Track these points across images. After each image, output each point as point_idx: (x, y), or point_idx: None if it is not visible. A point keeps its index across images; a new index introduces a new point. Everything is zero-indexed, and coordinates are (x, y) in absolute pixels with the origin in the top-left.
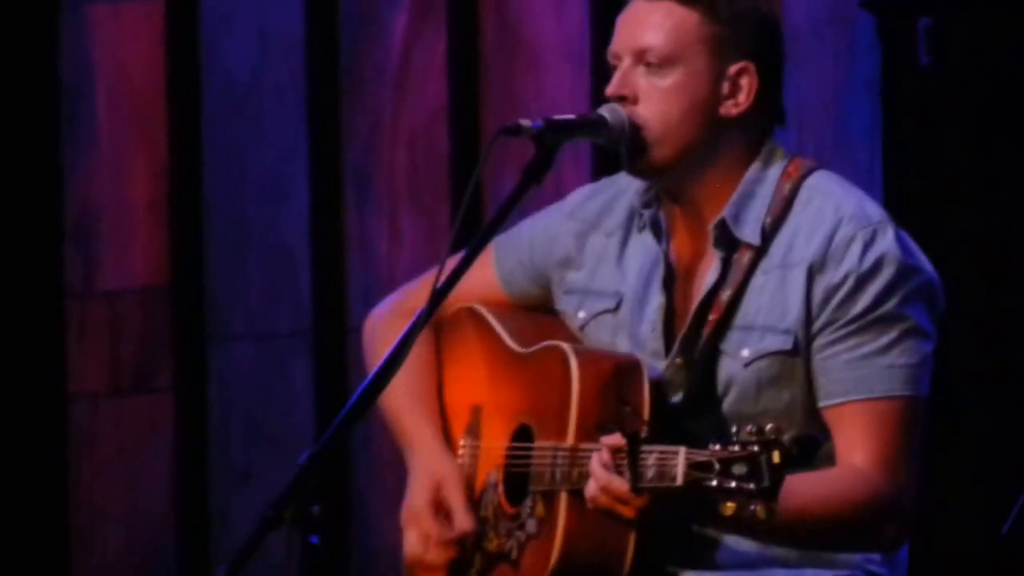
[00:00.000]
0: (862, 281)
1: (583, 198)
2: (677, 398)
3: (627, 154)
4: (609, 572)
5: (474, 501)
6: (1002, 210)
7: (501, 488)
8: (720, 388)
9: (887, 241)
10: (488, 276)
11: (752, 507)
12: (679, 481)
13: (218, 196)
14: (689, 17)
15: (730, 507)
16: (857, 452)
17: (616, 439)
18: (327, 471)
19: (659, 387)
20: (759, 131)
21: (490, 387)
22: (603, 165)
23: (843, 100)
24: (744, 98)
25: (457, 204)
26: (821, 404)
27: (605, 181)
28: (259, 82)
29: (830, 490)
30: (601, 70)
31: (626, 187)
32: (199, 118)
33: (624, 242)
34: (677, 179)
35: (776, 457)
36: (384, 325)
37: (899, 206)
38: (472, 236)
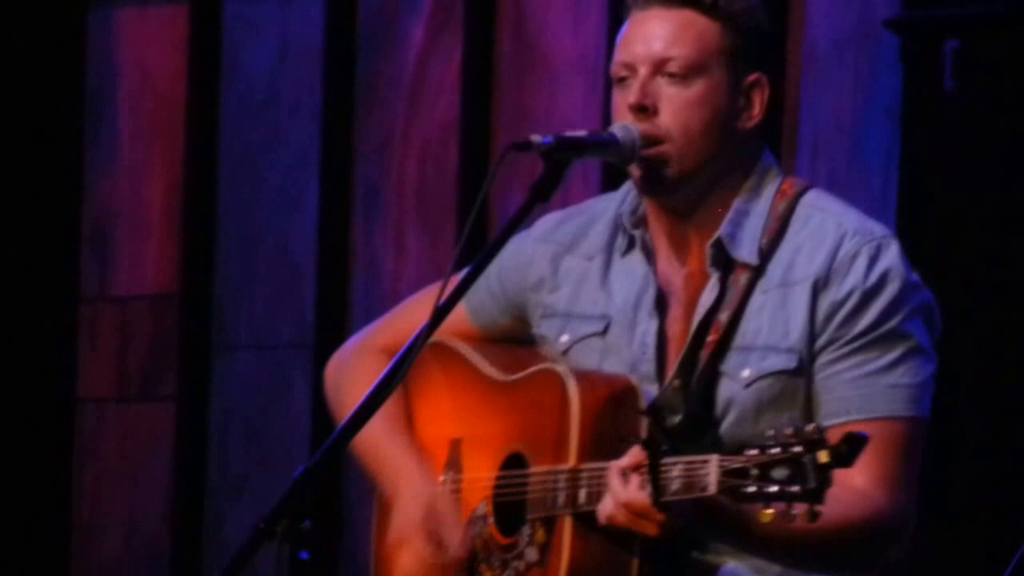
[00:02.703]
0: (868, 296)
1: (553, 223)
2: (675, 420)
3: (645, 167)
4: None
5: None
6: (1021, 242)
7: (491, 519)
8: (719, 410)
9: (892, 256)
10: (454, 311)
11: (795, 512)
12: (712, 490)
13: (231, 205)
14: (710, 27)
15: (768, 514)
16: (858, 473)
17: (636, 452)
18: (320, 487)
19: (656, 409)
20: (757, 147)
21: (469, 418)
22: (612, 183)
23: (860, 123)
24: (758, 111)
25: (463, 219)
26: (823, 424)
27: (573, 208)
28: (277, 91)
29: (832, 509)
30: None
31: (601, 212)
32: (217, 126)
33: (607, 264)
34: (685, 196)
35: (823, 457)
36: (353, 362)
37: (913, 235)
38: (477, 254)
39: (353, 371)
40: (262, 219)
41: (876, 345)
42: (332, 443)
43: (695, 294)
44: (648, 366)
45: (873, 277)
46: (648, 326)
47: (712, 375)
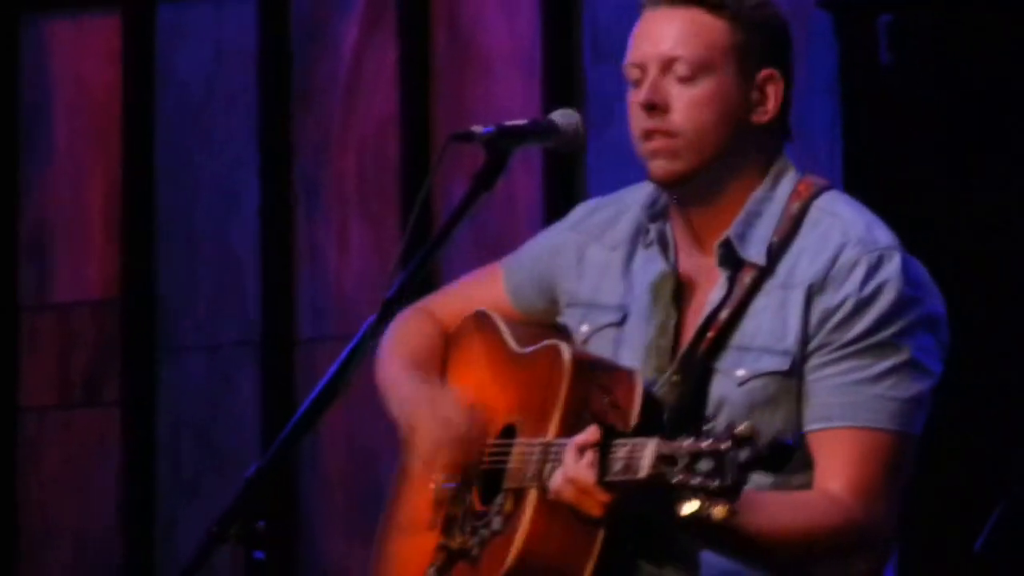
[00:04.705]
0: (860, 306)
1: (587, 211)
2: (667, 415)
3: (654, 158)
4: (570, 574)
5: (449, 502)
6: (966, 210)
7: (476, 487)
8: (711, 407)
9: (892, 268)
10: (497, 291)
11: (711, 508)
12: (643, 473)
13: (170, 208)
14: (716, 24)
15: (689, 506)
16: (834, 480)
17: (592, 431)
18: (274, 486)
19: (652, 400)
20: (775, 145)
21: (485, 387)
22: (555, 170)
23: (801, 101)
24: (772, 105)
25: (407, 213)
26: (804, 429)
27: (611, 196)
28: (212, 93)
29: (799, 512)
30: (552, 77)
31: (631, 203)
32: (154, 131)
33: (629, 256)
34: (698, 190)
35: (743, 455)
36: (400, 318)
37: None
38: (422, 246)
39: (397, 324)
40: (202, 221)
41: (865, 354)
42: (283, 440)
43: (707, 291)
44: (662, 359)
45: (869, 287)
46: (664, 320)
47: (706, 372)
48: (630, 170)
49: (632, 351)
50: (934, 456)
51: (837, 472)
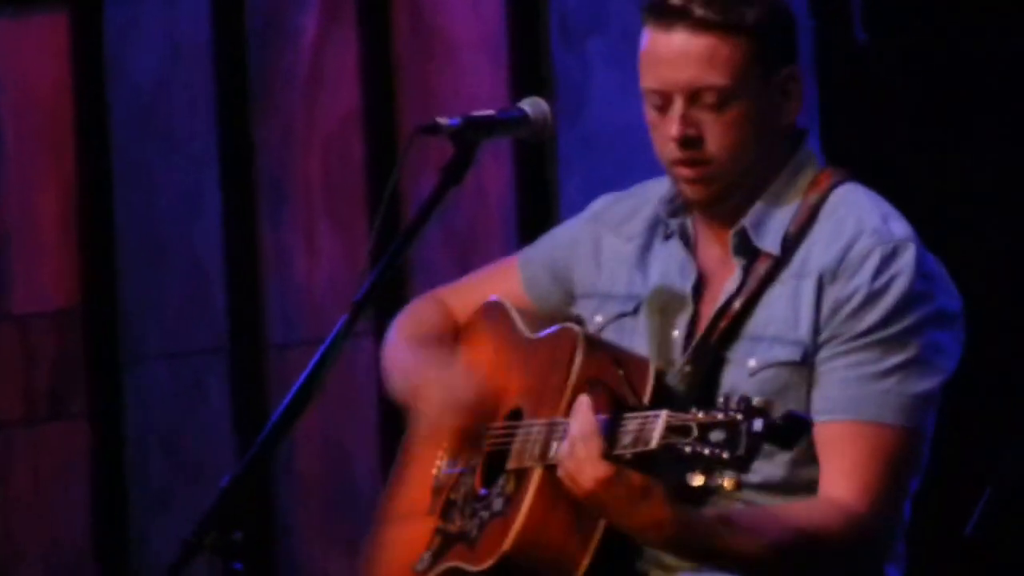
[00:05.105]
0: (872, 298)
1: (607, 203)
2: (677, 403)
3: (690, 185)
4: (567, 562)
5: (450, 487)
6: (943, 189)
7: (479, 470)
8: (722, 397)
9: (905, 260)
10: (512, 282)
11: (720, 480)
12: (654, 443)
13: (129, 212)
14: (737, 47)
15: (699, 479)
16: (839, 476)
17: (601, 401)
18: (249, 495)
19: (665, 386)
20: (797, 136)
21: (494, 373)
22: (525, 161)
23: None
24: (796, 102)
25: (374, 212)
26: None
27: (632, 189)
28: (167, 92)
29: (802, 517)
30: (520, 65)
31: (652, 197)
32: (108, 133)
33: (646, 248)
34: (731, 192)
35: (758, 426)
36: (411, 305)
37: None
38: (392, 244)
39: (407, 312)
40: (163, 224)
41: (875, 348)
42: (258, 448)
43: (724, 281)
44: (677, 350)
45: (881, 279)
46: (683, 311)
47: (718, 362)
48: (602, 158)
49: (648, 341)
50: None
51: (840, 466)
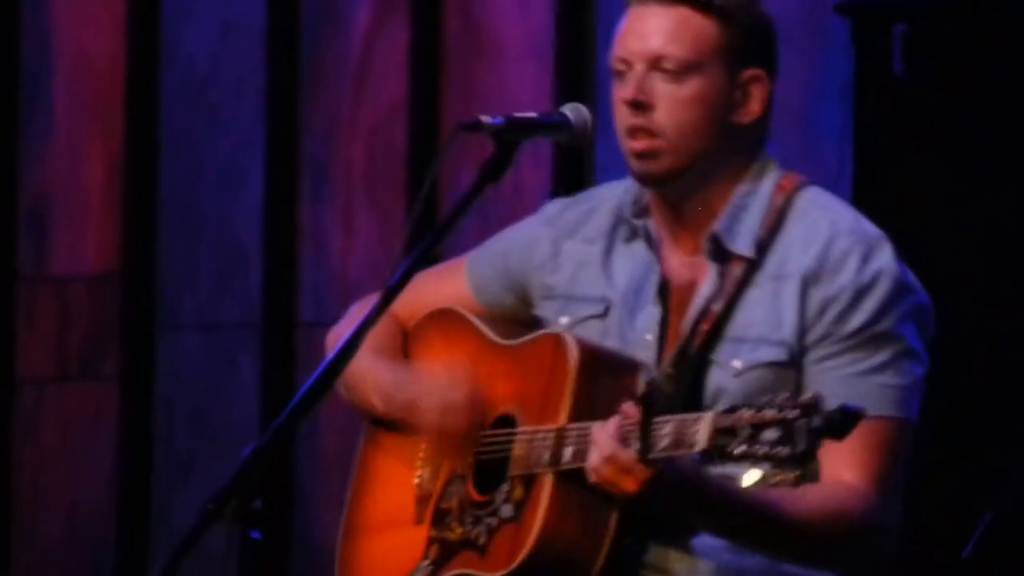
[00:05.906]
0: (859, 294)
1: (560, 208)
2: (662, 405)
3: (638, 159)
4: (584, 560)
5: (438, 496)
6: (976, 220)
7: (470, 478)
8: (708, 399)
9: (885, 257)
10: (459, 287)
11: (779, 476)
12: (701, 446)
13: (173, 185)
14: (706, 25)
15: (751, 476)
16: (845, 470)
17: (630, 406)
18: (270, 465)
19: (655, 388)
20: (757, 144)
21: (475, 380)
22: (564, 165)
23: (813, 107)
24: (757, 106)
25: (412, 201)
26: None
27: (582, 194)
28: (218, 71)
29: (822, 499)
30: (565, 68)
31: (606, 199)
32: (157, 106)
33: (608, 250)
34: (681, 188)
35: (817, 422)
36: (355, 310)
37: (868, 217)
38: (427, 235)
39: (351, 318)
40: (205, 198)
41: (867, 345)
42: (283, 422)
43: (696, 285)
44: (648, 352)
45: (865, 275)
46: (650, 313)
47: (702, 364)
48: None
49: (617, 343)
50: (924, 463)
51: (848, 462)
